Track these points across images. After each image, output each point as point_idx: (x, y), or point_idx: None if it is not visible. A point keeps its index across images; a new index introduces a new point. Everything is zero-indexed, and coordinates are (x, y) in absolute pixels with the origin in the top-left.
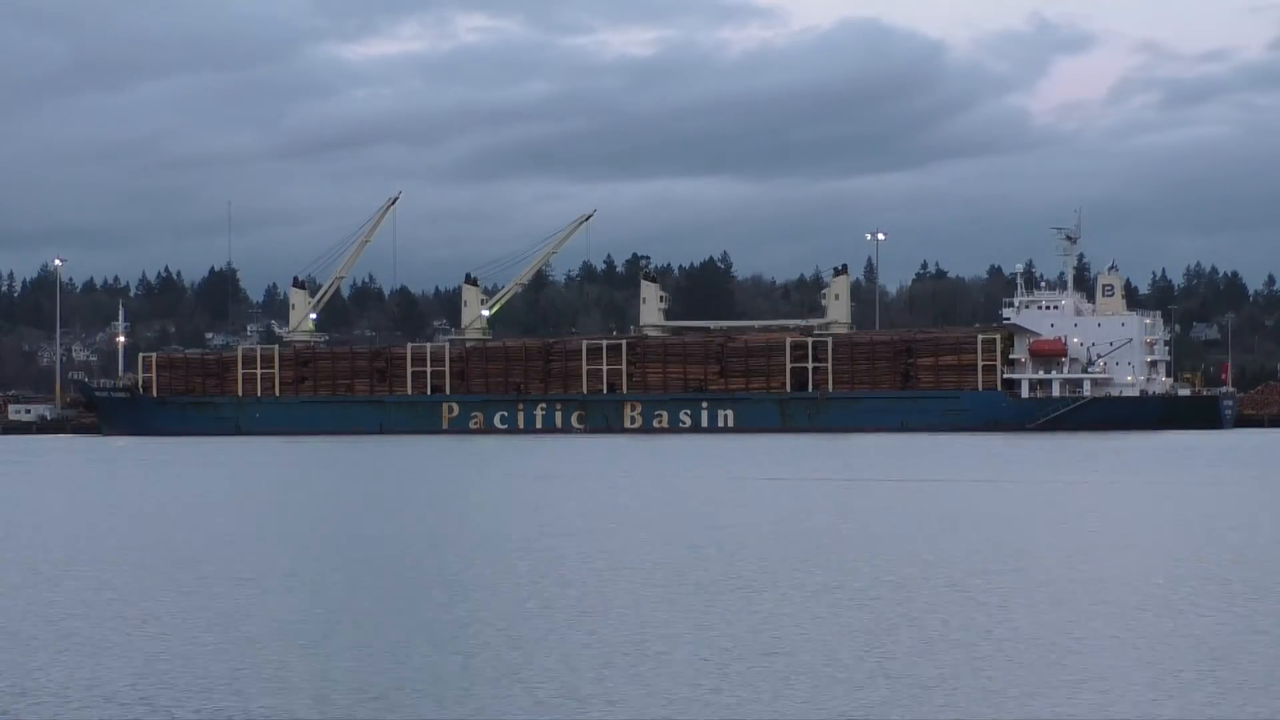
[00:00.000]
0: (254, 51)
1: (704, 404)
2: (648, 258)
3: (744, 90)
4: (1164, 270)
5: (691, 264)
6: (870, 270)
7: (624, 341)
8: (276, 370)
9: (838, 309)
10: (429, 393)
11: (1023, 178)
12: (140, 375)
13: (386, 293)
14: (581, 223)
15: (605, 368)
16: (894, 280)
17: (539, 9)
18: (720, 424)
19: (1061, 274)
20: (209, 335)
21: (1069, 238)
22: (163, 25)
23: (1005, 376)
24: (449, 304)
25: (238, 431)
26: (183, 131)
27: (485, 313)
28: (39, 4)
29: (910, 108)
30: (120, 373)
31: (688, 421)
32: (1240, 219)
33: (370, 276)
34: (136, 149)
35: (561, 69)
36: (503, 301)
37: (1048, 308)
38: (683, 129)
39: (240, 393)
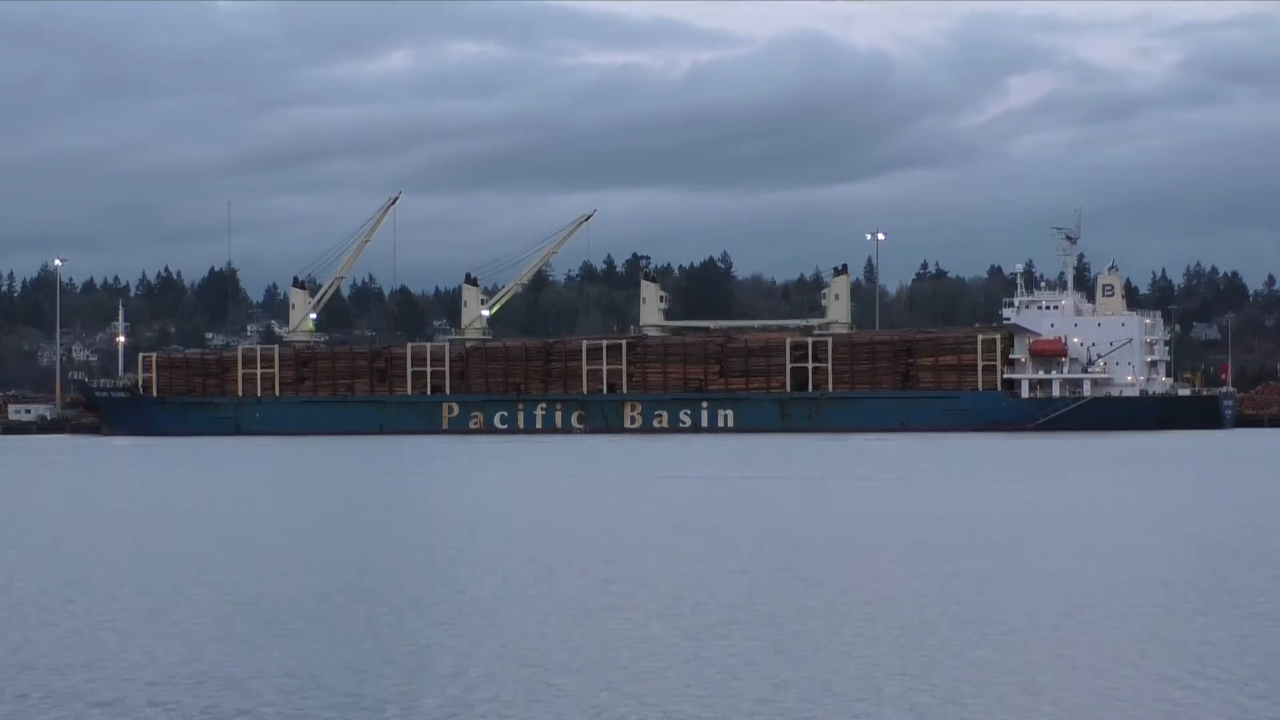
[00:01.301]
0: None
1: (704, 404)
2: (648, 258)
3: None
4: (1164, 270)
5: (691, 264)
6: (870, 270)
7: (624, 341)
8: (276, 370)
9: (838, 309)
10: (429, 393)
11: (968, 188)
12: (140, 375)
13: (386, 293)
14: (581, 222)
15: (605, 368)
16: (894, 280)
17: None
18: (720, 424)
19: (1061, 274)
20: (209, 335)
21: (1069, 238)
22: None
23: (1005, 376)
24: (449, 304)
25: (238, 431)
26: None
27: (485, 313)
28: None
29: (862, 120)
30: (120, 373)
31: (688, 421)
32: (1194, 226)
33: (370, 276)
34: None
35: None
36: (503, 302)
37: (1048, 308)
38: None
39: (240, 393)
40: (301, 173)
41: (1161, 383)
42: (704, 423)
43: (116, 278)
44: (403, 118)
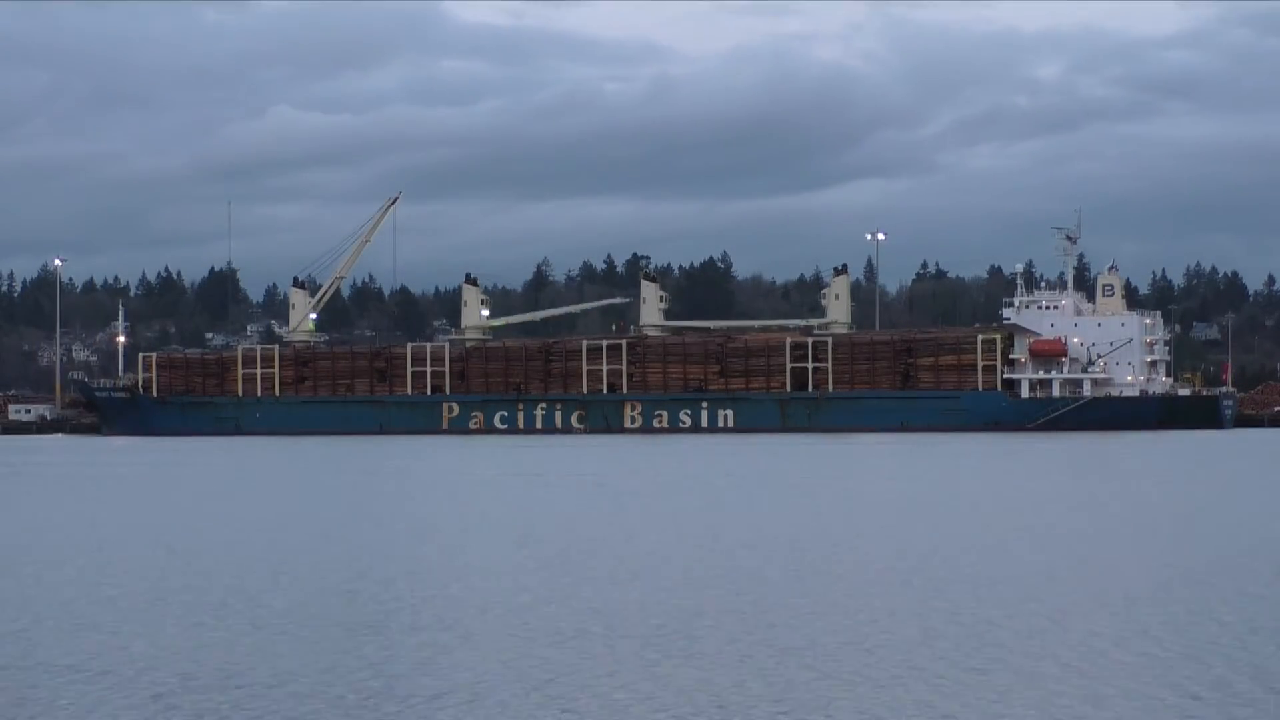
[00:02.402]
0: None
1: (704, 404)
2: (648, 258)
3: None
4: (1164, 270)
5: (691, 264)
6: (870, 270)
7: (624, 341)
8: (276, 370)
9: (838, 309)
10: (429, 393)
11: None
12: (140, 375)
13: (386, 293)
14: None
15: (605, 368)
16: (894, 280)
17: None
18: (720, 424)
19: (1061, 274)
20: (209, 335)
21: (1069, 238)
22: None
23: (1005, 376)
24: (449, 304)
25: (238, 431)
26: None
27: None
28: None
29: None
30: (120, 373)
31: (688, 421)
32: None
33: (370, 276)
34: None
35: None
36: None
37: (1048, 308)
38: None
39: (240, 393)
40: (282, 180)
41: (1161, 383)
42: (704, 423)
43: (116, 278)
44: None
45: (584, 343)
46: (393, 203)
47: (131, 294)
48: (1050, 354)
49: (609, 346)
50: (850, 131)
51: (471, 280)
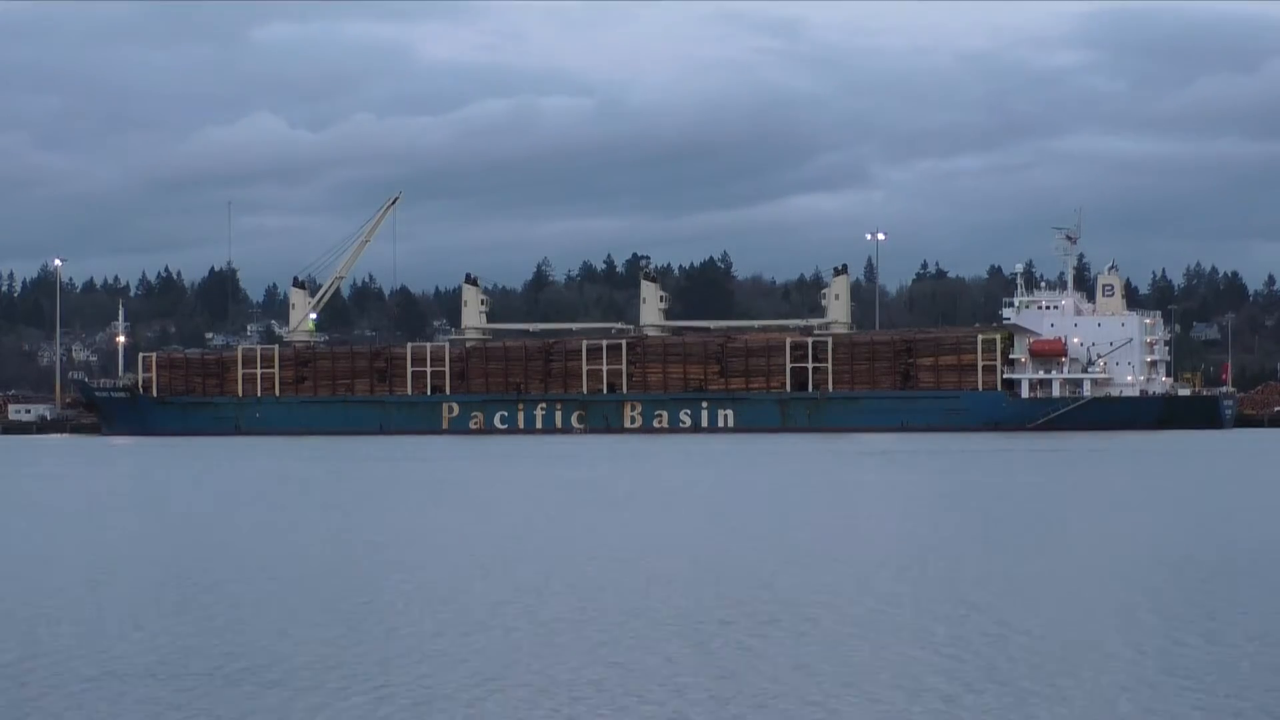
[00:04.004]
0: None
1: (704, 404)
2: (648, 258)
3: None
4: (1164, 270)
5: (691, 264)
6: (870, 270)
7: (624, 341)
8: (276, 370)
9: (838, 309)
10: (429, 393)
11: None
12: (140, 375)
13: (386, 293)
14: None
15: (605, 368)
16: (894, 280)
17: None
18: (720, 424)
19: (1061, 274)
20: (209, 335)
21: (1069, 238)
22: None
23: (1005, 376)
24: (449, 304)
25: (238, 431)
26: None
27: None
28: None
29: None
30: (120, 373)
31: (688, 421)
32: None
33: (370, 276)
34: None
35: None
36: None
37: (1048, 308)
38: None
39: (240, 393)
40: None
41: (1161, 383)
42: (704, 423)
43: (116, 278)
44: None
45: (584, 343)
46: (393, 203)
47: (131, 294)
48: (1050, 354)
49: (609, 346)
50: (789, 149)
51: (471, 280)
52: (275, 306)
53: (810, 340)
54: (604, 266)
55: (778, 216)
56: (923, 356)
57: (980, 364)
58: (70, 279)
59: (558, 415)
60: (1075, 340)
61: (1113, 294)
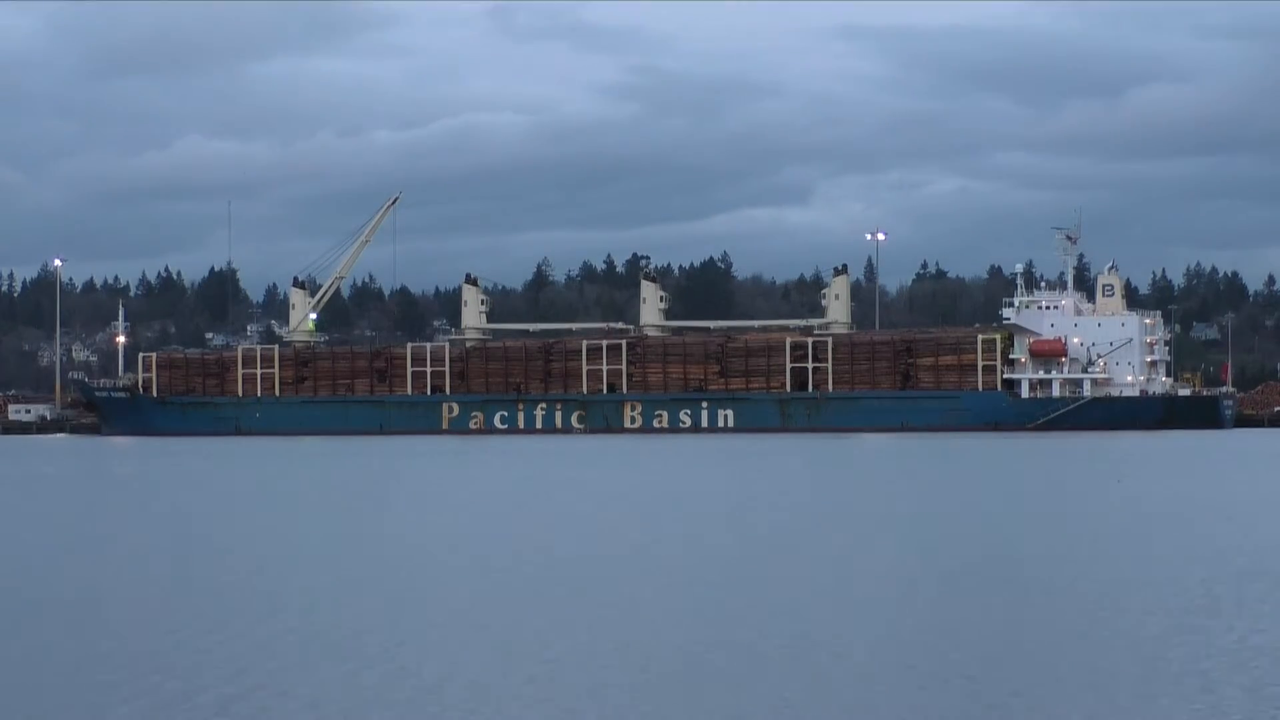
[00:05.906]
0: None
1: (704, 404)
2: (648, 258)
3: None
4: (1164, 270)
5: (691, 264)
6: (870, 270)
7: (624, 341)
8: (276, 370)
9: (838, 309)
10: (429, 393)
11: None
12: (140, 375)
13: (386, 293)
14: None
15: (605, 368)
16: (894, 280)
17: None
18: (720, 424)
19: (1061, 274)
20: (209, 335)
21: (1069, 238)
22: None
23: (1005, 376)
24: (449, 304)
25: (238, 431)
26: None
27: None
28: None
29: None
30: (120, 373)
31: (688, 421)
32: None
33: (370, 276)
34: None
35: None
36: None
37: (1048, 308)
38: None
39: (240, 393)
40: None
41: (1161, 383)
42: (704, 423)
43: (116, 278)
44: None
45: (584, 343)
46: (393, 203)
47: (131, 294)
48: (1050, 354)
49: (609, 347)
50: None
51: (471, 280)
52: (275, 307)
53: (810, 340)
54: (604, 267)
55: (778, 217)
56: (923, 356)
57: (980, 364)
58: (70, 279)
59: (558, 415)
60: (1075, 340)
61: (1113, 294)
